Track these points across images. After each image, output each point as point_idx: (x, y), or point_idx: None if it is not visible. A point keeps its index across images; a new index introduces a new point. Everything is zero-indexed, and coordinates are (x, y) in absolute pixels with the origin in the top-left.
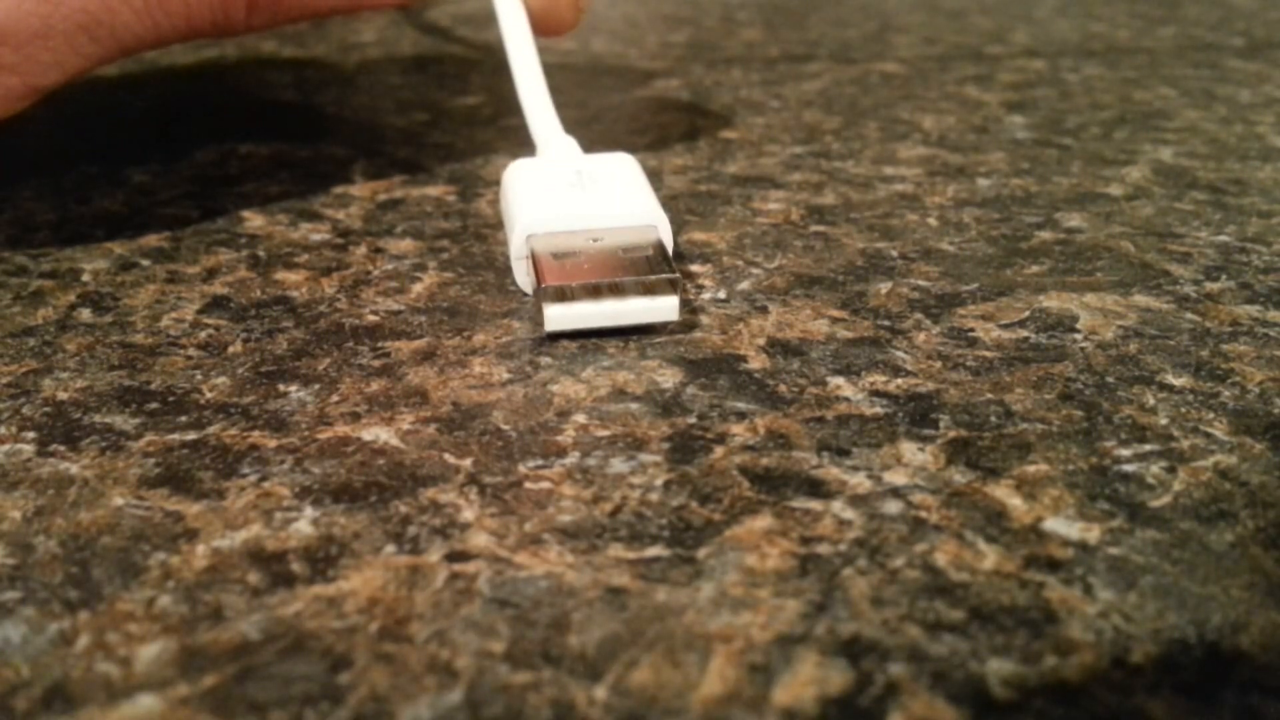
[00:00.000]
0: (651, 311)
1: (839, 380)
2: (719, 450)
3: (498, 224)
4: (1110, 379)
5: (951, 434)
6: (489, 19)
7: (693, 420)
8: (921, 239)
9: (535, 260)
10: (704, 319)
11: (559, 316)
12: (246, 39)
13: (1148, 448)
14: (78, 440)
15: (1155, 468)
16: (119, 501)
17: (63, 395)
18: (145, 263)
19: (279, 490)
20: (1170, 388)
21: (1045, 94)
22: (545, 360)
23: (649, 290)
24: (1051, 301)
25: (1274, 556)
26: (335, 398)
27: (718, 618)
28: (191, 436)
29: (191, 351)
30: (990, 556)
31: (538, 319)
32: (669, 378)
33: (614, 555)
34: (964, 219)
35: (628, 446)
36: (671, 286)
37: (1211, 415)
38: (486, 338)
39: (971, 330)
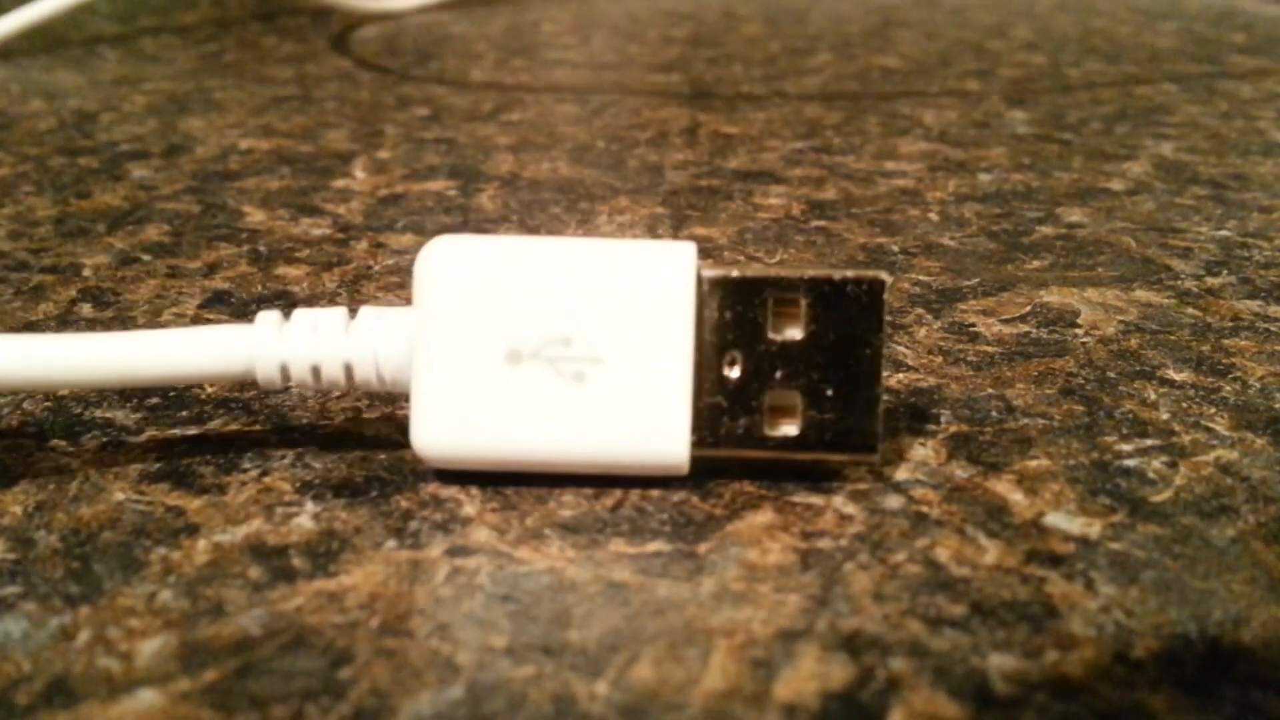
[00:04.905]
0: None
1: None
2: None
3: (499, 218)
4: (1111, 374)
5: (953, 429)
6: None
7: None
8: (922, 234)
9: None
10: None
11: None
12: (245, 34)
13: (1149, 443)
14: (79, 435)
15: (1156, 463)
16: (120, 496)
17: (63, 390)
18: (146, 257)
19: (280, 485)
20: (1171, 383)
21: (1046, 89)
22: None
23: None
24: (1053, 296)
25: (1275, 551)
26: (336, 392)
27: (719, 613)
28: (193, 431)
29: None
30: (991, 551)
31: None
32: None
33: (615, 550)
34: (965, 214)
35: None
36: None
37: (1213, 410)
38: None
39: (973, 325)
